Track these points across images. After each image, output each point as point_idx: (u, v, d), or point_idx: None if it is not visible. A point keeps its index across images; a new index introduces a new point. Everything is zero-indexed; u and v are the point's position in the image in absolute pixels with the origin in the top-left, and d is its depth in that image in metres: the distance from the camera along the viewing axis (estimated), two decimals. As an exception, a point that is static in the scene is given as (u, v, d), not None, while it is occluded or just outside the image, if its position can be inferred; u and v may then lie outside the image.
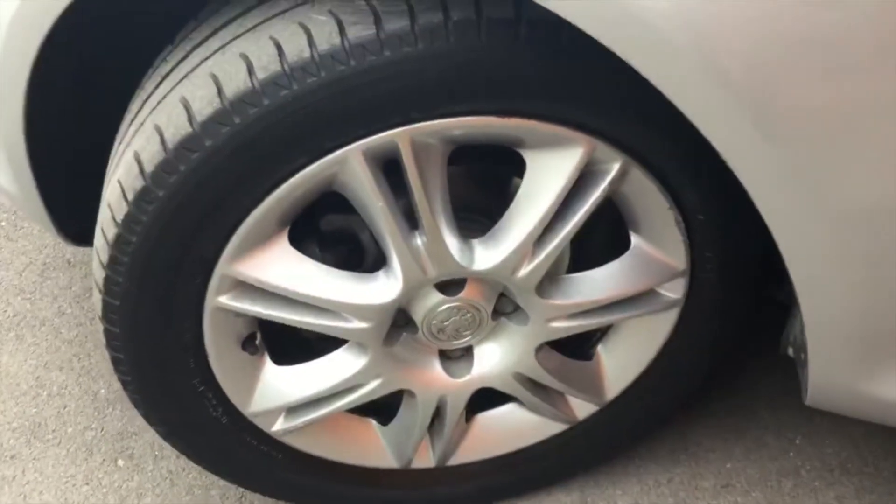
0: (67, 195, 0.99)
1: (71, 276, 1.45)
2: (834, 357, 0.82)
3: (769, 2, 0.62)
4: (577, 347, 1.02)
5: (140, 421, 1.02)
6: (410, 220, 0.82)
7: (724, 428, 1.19)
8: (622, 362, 1.02)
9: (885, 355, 0.81)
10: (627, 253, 0.92)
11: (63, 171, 0.97)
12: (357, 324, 0.87)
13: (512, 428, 1.06)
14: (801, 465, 1.16)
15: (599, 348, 1.03)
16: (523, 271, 0.86)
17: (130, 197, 0.77)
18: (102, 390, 1.27)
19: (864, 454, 1.17)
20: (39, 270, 1.46)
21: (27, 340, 1.34)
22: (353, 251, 0.90)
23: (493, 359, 0.97)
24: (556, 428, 1.06)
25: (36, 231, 1.51)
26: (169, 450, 1.15)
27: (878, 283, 0.76)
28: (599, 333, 1.01)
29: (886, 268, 0.75)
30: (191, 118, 0.74)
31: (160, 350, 0.87)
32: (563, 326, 0.94)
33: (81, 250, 1.44)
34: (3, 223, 1.56)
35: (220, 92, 0.73)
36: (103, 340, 0.88)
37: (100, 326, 0.88)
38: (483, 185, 0.91)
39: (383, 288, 0.86)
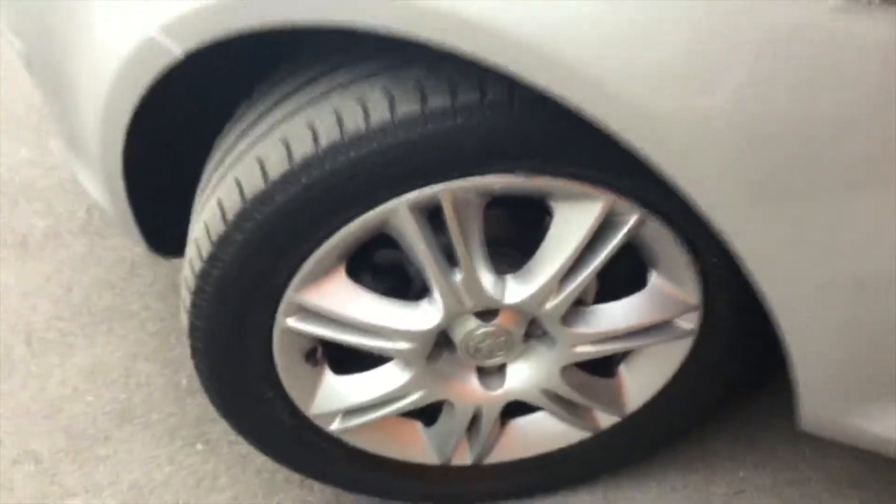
0: (155, 217, 1.15)
1: (156, 273, 1.62)
2: (821, 394, 0.92)
3: (753, 104, 0.72)
4: (602, 366, 1.14)
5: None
6: (450, 258, 0.95)
7: (739, 438, 1.30)
8: (641, 381, 1.13)
9: (871, 394, 0.91)
10: (646, 289, 1.03)
11: (153, 196, 1.12)
12: (403, 345, 1.00)
13: (541, 433, 1.19)
14: (810, 477, 1.26)
15: (621, 367, 1.14)
16: (550, 304, 0.98)
17: (214, 238, 0.91)
18: (184, 381, 1.44)
19: (873, 469, 1.27)
20: (128, 268, 1.63)
21: (117, 332, 1.52)
22: (402, 282, 1.03)
23: (523, 376, 1.10)
24: (581, 435, 1.19)
25: (125, 231, 1.69)
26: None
27: (862, 333, 0.85)
28: (621, 354, 1.13)
29: (869, 319, 0.84)
30: (265, 176, 0.87)
31: (236, 362, 1.02)
32: (587, 351, 1.06)
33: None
34: (96, 222, 1.73)
35: (289, 155, 0.86)
36: (189, 351, 1.03)
37: (181, 321, 1.04)
38: (519, 225, 1.03)
39: (426, 315, 0.99)
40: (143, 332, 1.52)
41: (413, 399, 1.08)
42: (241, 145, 0.93)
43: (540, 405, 1.13)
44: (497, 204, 0.95)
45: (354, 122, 0.84)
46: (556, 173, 0.88)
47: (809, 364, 0.89)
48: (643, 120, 0.75)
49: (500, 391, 1.10)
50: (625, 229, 0.93)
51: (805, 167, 0.76)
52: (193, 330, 0.99)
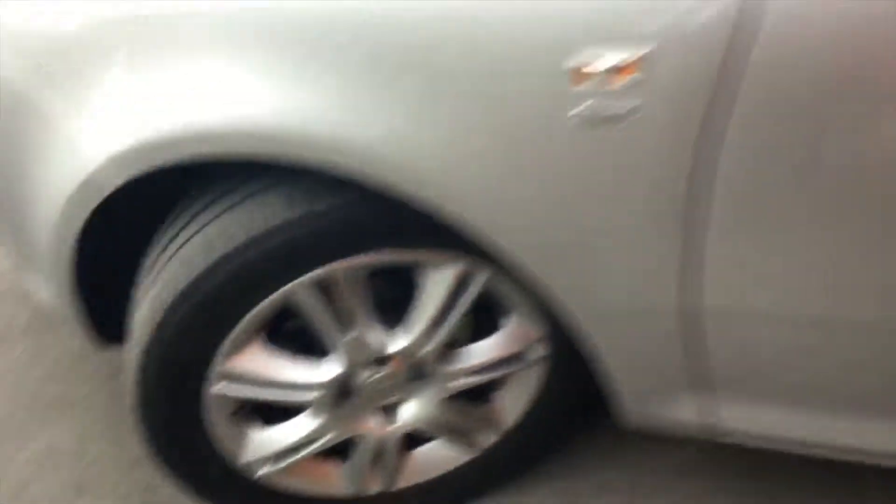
0: (98, 311, 1.38)
1: (98, 362, 1.83)
2: (632, 392, 1.21)
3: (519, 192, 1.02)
4: (479, 393, 1.41)
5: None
6: (345, 320, 1.21)
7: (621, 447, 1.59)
8: (511, 404, 1.40)
9: (674, 386, 1.20)
10: (503, 329, 1.31)
11: (96, 294, 1.35)
12: (313, 395, 1.26)
13: (437, 458, 1.44)
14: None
15: (494, 394, 1.42)
16: (426, 349, 1.25)
17: (152, 325, 1.16)
18: (131, 453, 1.64)
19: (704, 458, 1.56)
20: (73, 359, 1.84)
21: (68, 417, 1.72)
22: (309, 342, 1.29)
23: (414, 410, 1.36)
24: (471, 454, 1.45)
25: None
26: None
27: (649, 334, 1.14)
28: (493, 382, 1.40)
29: (650, 323, 1.13)
30: (191, 272, 1.13)
31: (176, 429, 1.26)
32: (462, 383, 1.33)
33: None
34: (40, 321, 1.94)
35: (210, 254, 1.12)
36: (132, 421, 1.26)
37: (125, 400, 1.26)
38: (400, 286, 1.30)
39: (329, 369, 1.25)
40: (91, 415, 1.72)
41: (326, 440, 1.33)
42: (171, 248, 1.18)
43: (431, 433, 1.39)
44: (384, 271, 1.22)
45: (256, 226, 1.11)
46: (414, 247, 1.16)
47: (619, 370, 1.19)
48: (467, 208, 1.04)
49: (396, 425, 1.36)
50: (478, 285, 1.21)
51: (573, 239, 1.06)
52: (137, 404, 1.23)
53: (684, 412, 1.23)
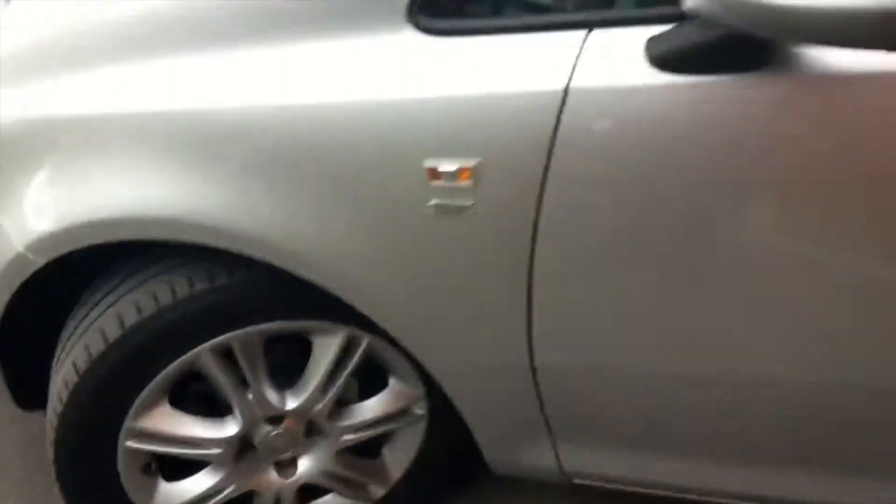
0: (20, 378, 1.51)
1: (15, 430, 1.93)
2: (493, 441, 1.40)
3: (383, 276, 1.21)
4: (370, 448, 1.57)
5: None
6: (243, 382, 1.37)
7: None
8: (398, 457, 1.57)
9: (525, 435, 1.38)
10: (387, 388, 1.48)
11: (19, 360, 1.48)
12: (215, 451, 1.40)
13: (334, 509, 1.60)
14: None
15: (384, 448, 1.58)
16: (317, 408, 1.42)
17: (70, 388, 1.30)
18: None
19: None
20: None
21: (-14, 482, 1.82)
22: (214, 402, 1.44)
23: (309, 464, 1.51)
24: (363, 505, 1.60)
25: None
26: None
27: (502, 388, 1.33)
28: (382, 437, 1.56)
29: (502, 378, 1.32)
30: (105, 340, 1.28)
31: (92, 483, 1.39)
32: (352, 437, 1.49)
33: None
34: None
35: (122, 325, 1.27)
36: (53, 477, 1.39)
37: (45, 460, 1.39)
38: (296, 349, 1.46)
39: (229, 426, 1.40)
40: (9, 481, 1.82)
41: (228, 492, 1.47)
42: (88, 319, 1.33)
43: (326, 485, 1.54)
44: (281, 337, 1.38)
45: (162, 299, 1.27)
46: (302, 318, 1.34)
47: (477, 422, 1.37)
48: (342, 285, 1.22)
49: (293, 479, 1.51)
50: (360, 349, 1.39)
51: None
52: (56, 461, 1.36)
53: (539, 459, 1.41)
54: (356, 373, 1.41)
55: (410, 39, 1.10)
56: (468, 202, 1.12)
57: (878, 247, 1.08)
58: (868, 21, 0.80)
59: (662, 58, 1.01)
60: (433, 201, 1.13)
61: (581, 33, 1.06)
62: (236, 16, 1.16)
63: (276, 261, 1.20)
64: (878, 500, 1.30)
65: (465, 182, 1.11)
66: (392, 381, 1.47)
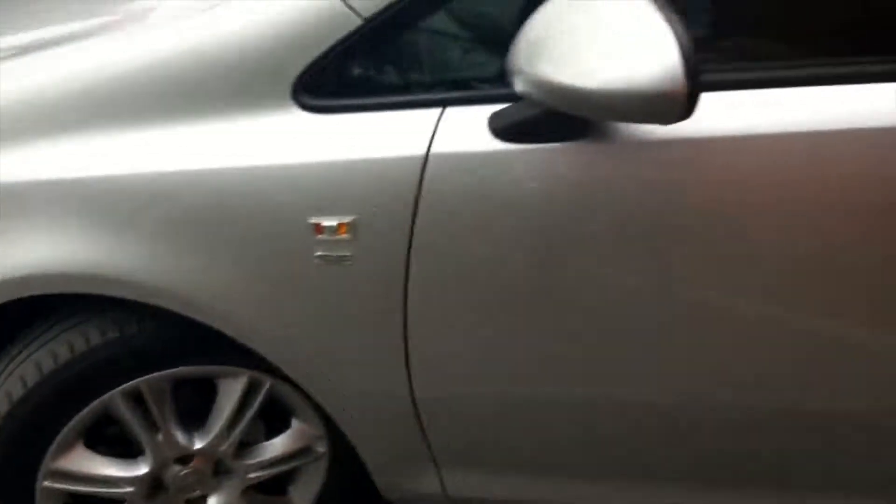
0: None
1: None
2: (382, 466, 1.55)
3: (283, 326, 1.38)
4: (276, 485, 1.70)
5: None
6: (153, 424, 1.50)
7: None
8: (303, 493, 1.70)
9: (411, 462, 1.54)
10: (290, 429, 1.62)
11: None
12: (128, 489, 1.52)
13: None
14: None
15: (290, 486, 1.71)
16: (223, 448, 1.55)
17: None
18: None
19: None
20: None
21: None
22: (127, 443, 1.56)
23: (217, 501, 1.64)
24: (272, 541, 1.73)
25: None
26: None
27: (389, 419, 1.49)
28: (288, 475, 1.70)
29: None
30: (25, 386, 1.41)
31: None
32: (258, 475, 1.62)
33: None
34: None
35: (40, 372, 1.40)
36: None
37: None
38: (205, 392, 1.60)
39: (141, 467, 1.52)
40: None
41: (142, 530, 1.59)
42: (10, 368, 1.46)
43: (235, 522, 1.67)
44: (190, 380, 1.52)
45: (77, 347, 1.41)
46: (207, 363, 1.48)
47: (365, 451, 1.52)
48: (246, 331, 1.38)
49: (203, 516, 1.64)
50: (262, 392, 1.54)
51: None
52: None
53: (424, 483, 1.56)
54: (261, 413, 1.56)
55: (295, 116, 1.29)
56: (347, 253, 1.30)
57: (691, 285, 1.30)
58: (640, 100, 1.02)
59: (500, 130, 1.22)
60: (318, 252, 1.30)
61: (438, 110, 1.27)
62: (145, 97, 1.34)
63: (182, 310, 1.36)
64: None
65: (344, 236, 1.29)
66: (294, 422, 1.62)
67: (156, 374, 1.45)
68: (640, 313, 1.32)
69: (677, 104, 1.01)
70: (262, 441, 1.62)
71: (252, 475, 1.61)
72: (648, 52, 1.01)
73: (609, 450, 1.50)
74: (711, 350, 1.34)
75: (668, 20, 0.99)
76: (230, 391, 1.52)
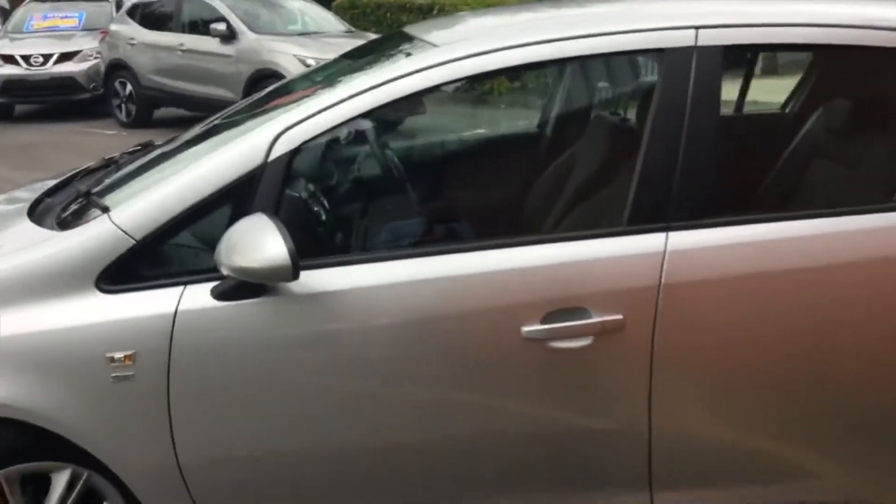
0: None
1: None
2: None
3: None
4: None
5: None
6: None
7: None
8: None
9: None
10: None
11: None
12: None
13: None
14: None
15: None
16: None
17: None
18: None
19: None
20: None
21: None
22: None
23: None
24: None
25: None
26: None
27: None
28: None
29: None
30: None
31: None
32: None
33: None
34: None
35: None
36: None
37: None
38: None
39: (-3, 538, 2.25)
40: None
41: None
42: None
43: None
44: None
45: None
46: (41, 459, 2.27)
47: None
48: (72, 432, 2.20)
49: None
50: (81, 481, 2.32)
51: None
52: None
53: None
54: (84, 497, 2.33)
55: (96, 297, 2.20)
56: (131, 373, 2.18)
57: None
58: (274, 270, 2.01)
59: (217, 295, 2.18)
60: (113, 374, 2.18)
61: (182, 287, 2.21)
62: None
63: (20, 417, 2.18)
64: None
65: (128, 363, 2.17)
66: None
67: (6, 469, 2.22)
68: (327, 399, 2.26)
69: (288, 272, 2.02)
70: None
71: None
72: (275, 247, 2.01)
73: (348, 486, 2.34)
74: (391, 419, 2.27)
75: (280, 230, 2.01)
76: (59, 482, 2.30)
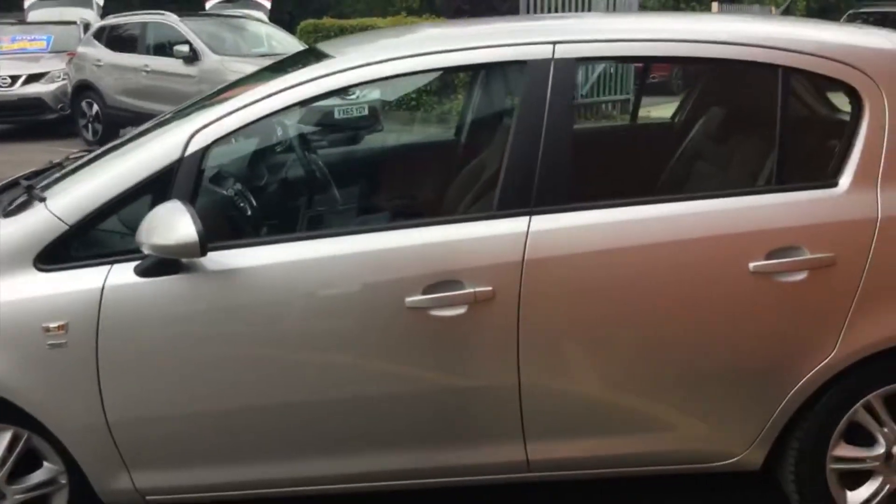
0: None
1: None
2: (96, 476, 2.64)
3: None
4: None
5: None
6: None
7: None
8: (52, 513, 2.74)
9: (115, 468, 2.64)
10: (42, 468, 2.69)
11: None
12: None
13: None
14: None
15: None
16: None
17: None
18: None
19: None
20: None
21: None
22: None
23: (-6, 515, 2.66)
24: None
25: None
26: None
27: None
28: (47, 498, 2.73)
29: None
30: None
31: None
32: (21, 497, 2.66)
33: None
34: None
35: None
36: None
37: None
38: None
39: None
40: None
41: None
42: None
43: (6, 531, 2.68)
44: None
45: None
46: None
47: (87, 466, 2.62)
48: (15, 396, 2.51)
49: (-14, 526, 2.64)
50: (22, 441, 2.62)
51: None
52: None
53: (121, 485, 2.65)
54: (25, 456, 2.63)
55: (34, 275, 2.52)
56: (64, 341, 2.50)
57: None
58: (185, 246, 2.35)
59: (139, 272, 2.51)
60: (49, 342, 2.49)
61: (109, 266, 2.54)
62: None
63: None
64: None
65: (61, 332, 2.49)
66: (45, 463, 2.70)
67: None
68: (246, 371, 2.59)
69: (196, 249, 2.37)
70: (25, 475, 2.69)
71: (17, 497, 2.66)
72: (185, 227, 2.36)
73: (255, 439, 2.66)
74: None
75: (191, 213, 2.36)
76: (2, 441, 2.61)
